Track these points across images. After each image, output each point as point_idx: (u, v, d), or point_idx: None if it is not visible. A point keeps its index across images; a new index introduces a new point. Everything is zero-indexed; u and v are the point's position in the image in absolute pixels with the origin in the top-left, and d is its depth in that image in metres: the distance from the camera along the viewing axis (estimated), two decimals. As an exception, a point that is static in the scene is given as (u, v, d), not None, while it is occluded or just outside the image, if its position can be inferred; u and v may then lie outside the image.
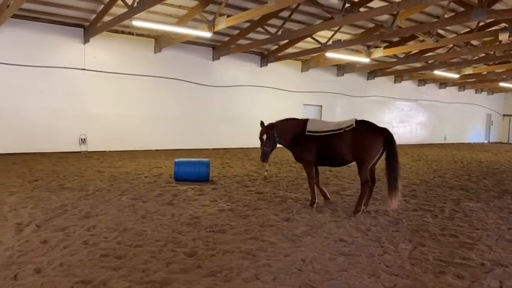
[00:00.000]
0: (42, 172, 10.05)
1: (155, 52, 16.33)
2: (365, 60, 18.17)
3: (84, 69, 14.78)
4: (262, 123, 6.94)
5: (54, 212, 6.19)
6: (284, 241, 5.07)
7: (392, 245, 5.03)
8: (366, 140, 6.51)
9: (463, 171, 12.87)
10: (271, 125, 6.90)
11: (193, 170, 9.20)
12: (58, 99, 14.34)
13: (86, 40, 14.58)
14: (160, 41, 16.05)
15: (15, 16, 12.66)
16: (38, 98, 13.93)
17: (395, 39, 17.72)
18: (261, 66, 19.46)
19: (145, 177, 9.90)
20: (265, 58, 19.18)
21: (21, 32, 13.49)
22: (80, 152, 14.77)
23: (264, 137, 6.81)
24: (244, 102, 18.85)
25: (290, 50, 18.19)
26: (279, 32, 14.65)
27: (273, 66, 19.49)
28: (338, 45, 15.69)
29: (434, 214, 6.80)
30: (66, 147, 14.51)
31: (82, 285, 3.64)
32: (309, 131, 6.77)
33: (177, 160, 9.60)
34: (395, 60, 20.33)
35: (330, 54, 17.48)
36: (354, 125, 6.56)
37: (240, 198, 7.57)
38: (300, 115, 20.74)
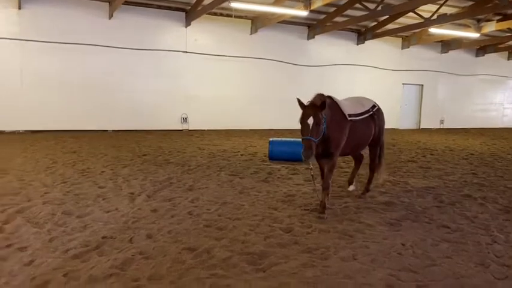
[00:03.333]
0: (149, 148, 10.91)
1: (251, 33, 16.60)
2: (474, 35, 16.62)
3: (185, 51, 15.58)
4: (301, 102, 4.89)
5: (162, 184, 6.71)
6: (382, 224, 4.94)
7: (503, 235, 4.64)
8: (384, 120, 6.19)
9: None
10: (323, 104, 4.76)
11: (287, 150, 9.29)
12: (162, 81, 15.36)
13: (187, 23, 15.33)
14: (257, 22, 16.27)
15: (126, 3, 13.72)
16: (145, 80, 15.07)
17: (511, 11, 15.88)
18: (357, 44, 18.82)
19: (241, 155, 10.25)
20: (362, 35, 18.50)
21: (132, 17, 14.62)
22: (182, 130, 15.72)
23: (311, 120, 4.68)
24: (339, 81, 18.38)
25: (390, 26, 17.30)
26: (379, 8, 13.97)
27: (370, 43, 18.74)
28: (444, 19, 14.53)
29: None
30: (169, 126, 15.56)
31: (188, 252, 3.92)
32: (350, 115, 5.38)
33: (271, 139, 9.76)
34: (510, 34, 18.27)
35: (434, 30, 16.30)
36: (375, 105, 5.96)
37: (335, 179, 7.50)
38: (398, 95, 19.83)
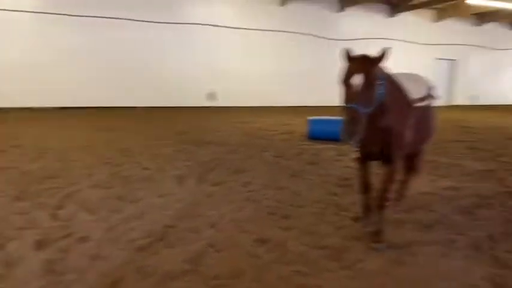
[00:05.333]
0: (182, 126, 10.62)
1: (282, 5, 15.97)
2: (516, 6, 15.67)
3: (214, 25, 15.07)
4: (347, 52, 3.19)
5: (207, 166, 6.42)
6: (456, 213, 4.57)
7: None
8: None
9: None
10: (380, 57, 3.15)
11: (329, 129, 8.89)
12: (191, 56, 14.94)
13: (216, -4, 14.76)
14: (286, -7, 15.61)
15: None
16: (172, 55, 14.66)
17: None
18: (389, 17, 18.01)
19: (280, 133, 9.89)
20: (395, 8, 17.65)
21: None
22: (210, 107, 15.38)
23: (359, 79, 3.03)
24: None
25: (425, -2, 16.44)
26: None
27: (403, 16, 17.95)
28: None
29: None
30: (197, 103, 15.22)
31: (260, 244, 3.63)
32: (415, 100, 3.71)
33: (310, 118, 9.35)
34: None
35: (471, 1, 15.40)
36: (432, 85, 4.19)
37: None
38: (430, 71, 19.05)
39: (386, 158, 3.59)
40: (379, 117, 3.30)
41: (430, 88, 4.09)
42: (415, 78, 4.09)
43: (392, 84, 3.46)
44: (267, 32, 15.93)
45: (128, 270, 3.13)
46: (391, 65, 3.43)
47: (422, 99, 3.86)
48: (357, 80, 3.03)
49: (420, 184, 5.58)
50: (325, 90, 17.00)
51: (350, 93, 3.05)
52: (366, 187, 3.82)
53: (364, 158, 3.74)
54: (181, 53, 14.81)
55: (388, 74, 3.45)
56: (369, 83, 3.03)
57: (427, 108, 3.99)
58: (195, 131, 9.88)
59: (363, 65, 3.08)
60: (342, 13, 17.09)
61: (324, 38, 16.89)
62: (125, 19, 13.72)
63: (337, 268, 3.25)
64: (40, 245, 3.47)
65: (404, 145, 3.62)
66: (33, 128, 9.36)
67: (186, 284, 2.98)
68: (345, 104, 3.07)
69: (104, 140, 8.27)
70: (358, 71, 3.05)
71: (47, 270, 3.07)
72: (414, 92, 3.76)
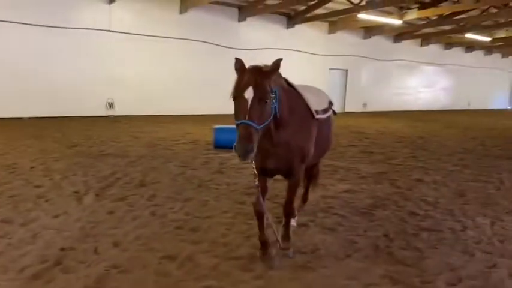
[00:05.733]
0: (77, 137, 9.88)
1: (181, 13, 15.79)
2: (397, 22, 17.44)
3: (109, 30, 14.36)
4: (240, 63, 3.02)
5: (107, 180, 6.04)
6: (355, 214, 4.87)
7: (469, 220, 4.81)
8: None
9: (502, 139, 12.49)
10: (274, 68, 3.02)
11: (236, 137, 8.93)
12: (84, 62, 14.02)
13: (111, 0, 14.07)
14: (186, 1, 15.48)
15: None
16: (64, 61, 13.62)
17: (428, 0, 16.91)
18: (287, 28, 18.83)
19: (182, 143, 9.71)
20: (292, 19, 18.52)
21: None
22: (108, 116, 14.57)
23: (250, 93, 2.86)
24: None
25: (319, 11, 17.48)
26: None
27: (299, 28, 18.88)
28: (372, 5, 15.02)
29: (496, 186, 6.53)
30: (93, 112, 14.32)
31: (169, 261, 3.48)
32: (317, 111, 3.64)
33: (216, 127, 9.34)
34: (426, 22, 19.53)
35: (361, 16, 16.79)
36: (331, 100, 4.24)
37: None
38: (325, 81, 20.25)
39: (287, 173, 3.49)
40: (276, 131, 3.17)
41: (329, 101, 4.14)
42: (314, 90, 4.09)
43: (290, 96, 3.34)
44: (165, 39, 15.59)
45: (18, 304, 2.78)
46: (286, 75, 3.48)
47: (324, 110, 3.83)
48: (248, 93, 2.85)
49: (321, 189, 5.85)
50: (225, 98, 17.17)
51: (241, 108, 2.85)
52: (259, 210, 3.48)
53: (263, 174, 3.50)
54: (75, 60, 13.81)
55: (287, 86, 3.40)
56: (260, 97, 2.84)
57: (328, 120, 3.98)
58: (91, 142, 9.27)
59: (253, 78, 2.88)
60: (242, 23, 17.43)
61: (223, 46, 17.04)
62: (9, 21, 12.42)
63: (250, 278, 3.24)
64: None
65: (306, 159, 3.53)
66: None
67: (88, 313, 2.73)
68: (236, 120, 2.88)
69: (-16, 155, 7.36)
70: (248, 84, 2.86)
71: None
72: (316, 103, 3.67)
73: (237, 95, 2.89)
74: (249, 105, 2.82)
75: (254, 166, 3.32)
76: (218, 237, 4.02)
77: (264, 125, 2.90)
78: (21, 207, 4.70)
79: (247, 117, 2.80)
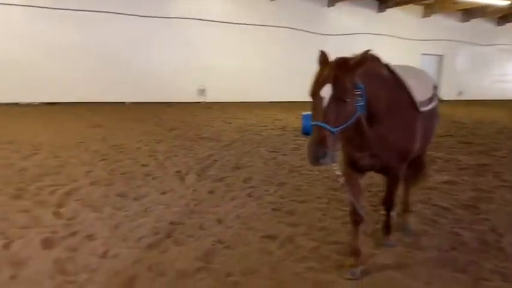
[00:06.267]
0: (174, 122, 10.50)
1: (271, 0, 15.91)
2: (504, 2, 15.91)
3: (203, 19, 14.92)
4: (323, 56, 2.72)
5: (205, 162, 6.38)
6: (459, 207, 4.63)
7: None
8: None
9: None
10: (360, 61, 2.61)
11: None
12: (179, 51, 14.75)
13: (204, -10, 14.61)
14: (275, -12, 15.54)
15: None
16: (161, 49, 14.46)
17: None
18: (378, 12, 18.12)
19: (271, 129, 9.88)
20: (384, 3, 17.76)
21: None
22: (199, 102, 15.26)
23: (327, 91, 2.55)
24: (358, 51, 17.83)
25: (413, -7, 16.56)
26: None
27: (391, 12, 18.04)
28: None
29: None
30: (186, 98, 15.07)
31: (269, 240, 3.63)
32: (421, 103, 3.16)
33: (305, 114, 9.36)
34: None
35: (459, -3, 15.61)
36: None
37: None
38: (418, 66, 19.14)
39: (384, 172, 3.19)
40: (370, 127, 2.84)
41: (434, 85, 3.58)
42: (418, 74, 3.53)
43: (391, 86, 2.95)
44: (256, 26, 15.84)
45: (139, 268, 3.09)
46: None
47: (429, 99, 3.32)
48: (324, 92, 2.52)
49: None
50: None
51: (316, 107, 2.55)
52: (355, 190, 3.14)
53: (354, 170, 3.17)
54: (170, 48, 14.63)
55: (389, 73, 3.03)
56: (338, 96, 2.49)
57: (433, 109, 3.44)
58: (187, 126, 9.80)
59: (333, 73, 2.53)
60: (332, 8, 17.11)
61: (312, 32, 16.89)
62: (112, 12, 13.47)
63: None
64: (47, 244, 3.40)
65: (408, 158, 3.17)
66: (23, 124, 9.14)
67: (199, 282, 2.96)
68: (312, 121, 2.57)
69: (96, 136, 8.14)
70: (326, 81, 2.54)
71: (58, 270, 3.02)
72: (421, 93, 3.18)
73: (314, 92, 2.60)
74: (325, 105, 2.51)
75: (336, 168, 2.84)
76: (315, 221, 4.09)
77: (342, 127, 2.55)
78: (132, 183, 5.16)
79: (321, 119, 2.50)
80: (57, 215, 4.02)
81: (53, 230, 3.65)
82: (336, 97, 2.50)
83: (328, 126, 2.48)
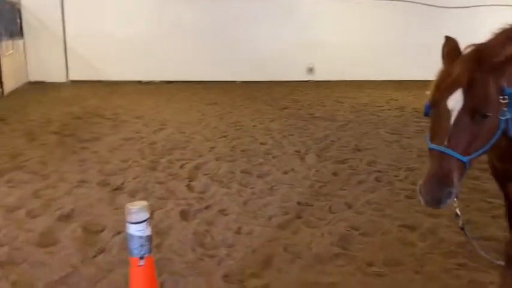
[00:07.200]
0: (284, 100, 10.44)
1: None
2: None
3: (313, -5, 14.54)
4: (451, 44, 1.89)
5: (323, 142, 6.18)
6: None
7: None
8: None
9: None
10: (499, 62, 1.70)
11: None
12: (288, 29, 14.58)
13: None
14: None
15: None
16: (269, 28, 14.41)
17: None
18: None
19: (388, 109, 9.32)
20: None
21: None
22: (308, 81, 15.02)
23: (458, 101, 1.71)
24: (483, 27, 15.99)
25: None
26: None
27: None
28: None
29: None
30: (295, 77, 14.92)
31: (409, 230, 3.35)
32: None
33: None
34: None
35: None
36: None
37: None
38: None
39: None
40: None
41: None
42: None
43: None
44: (368, 1, 14.98)
45: (275, 248, 3.05)
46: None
47: None
48: (453, 101, 1.72)
49: None
50: (434, 64, 15.75)
51: (439, 124, 1.78)
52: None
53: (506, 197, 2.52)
54: (277, 26, 14.51)
55: None
56: (475, 108, 1.70)
57: None
58: (299, 105, 9.66)
59: (467, 73, 1.72)
60: (455, -23, 15.51)
61: (432, 5, 15.47)
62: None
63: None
64: (184, 216, 3.53)
65: None
66: (148, 101, 9.78)
67: (339, 269, 2.82)
68: (430, 143, 1.83)
69: (214, 113, 8.38)
70: (456, 85, 1.72)
71: (198, 243, 3.09)
72: None
73: (436, 102, 1.80)
74: (452, 121, 1.72)
75: (456, 205, 2.00)
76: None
77: (478, 153, 1.77)
78: (253, 161, 5.18)
79: (446, 142, 1.72)
80: (189, 188, 4.18)
81: (188, 203, 3.78)
82: (471, 109, 1.70)
83: (456, 154, 1.70)
